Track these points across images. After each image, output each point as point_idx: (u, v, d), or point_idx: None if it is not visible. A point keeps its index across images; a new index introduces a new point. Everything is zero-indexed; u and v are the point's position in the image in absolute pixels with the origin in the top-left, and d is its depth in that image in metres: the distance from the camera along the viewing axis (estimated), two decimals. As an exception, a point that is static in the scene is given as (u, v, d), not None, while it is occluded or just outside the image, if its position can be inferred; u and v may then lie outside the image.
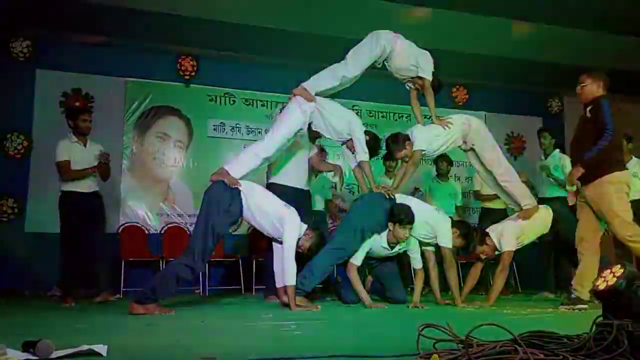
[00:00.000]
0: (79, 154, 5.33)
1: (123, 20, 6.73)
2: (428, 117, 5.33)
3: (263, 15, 6.90)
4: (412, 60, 5.09)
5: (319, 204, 6.28)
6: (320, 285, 6.05)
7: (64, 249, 5.23)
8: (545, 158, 6.54)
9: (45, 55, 6.82)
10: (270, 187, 5.14)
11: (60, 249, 5.26)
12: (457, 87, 8.66)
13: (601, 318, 2.05)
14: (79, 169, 5.28)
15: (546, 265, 6.64)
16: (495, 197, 6.11)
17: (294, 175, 5.37)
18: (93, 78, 7.01)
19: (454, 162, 7.36)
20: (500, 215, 6.78)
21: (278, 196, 4.63)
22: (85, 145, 5.40)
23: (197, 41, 7.23)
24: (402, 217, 4.61)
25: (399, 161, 5.44)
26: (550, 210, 5.26)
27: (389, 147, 5.18)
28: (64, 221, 5.28)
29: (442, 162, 6.99)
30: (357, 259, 4.76)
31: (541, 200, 5.76)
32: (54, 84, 6.88)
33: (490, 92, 8.71)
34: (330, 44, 6.95)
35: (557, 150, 6.54)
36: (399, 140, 5.08)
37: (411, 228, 4.68)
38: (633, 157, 6.41)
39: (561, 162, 6.36)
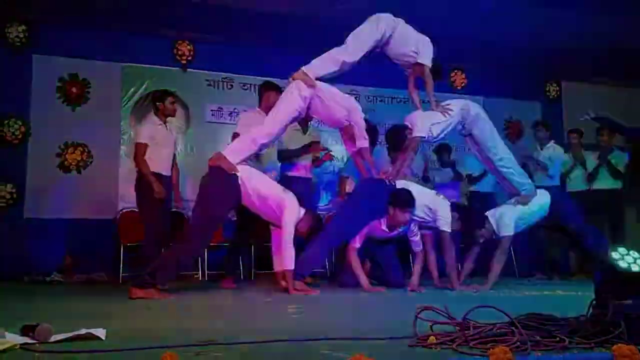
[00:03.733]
0: (163, 136, 5.41)
1: (119, 4, 6.69)
2: (426, 102, 5.31)
3: (261, -1, 6.86)
4: (411, 46, 5.05)
5: None
6: (322, 270, 6.09)
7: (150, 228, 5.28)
8: (541, 149, 6.69)
9: (41, 40, 6.75)
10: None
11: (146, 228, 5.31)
12: (455, 71, 8.61)
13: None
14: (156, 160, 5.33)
15: (543, 249, 6.71)
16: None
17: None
18: (90, 63, 6.95)
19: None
20: (490, 198, 6.85)
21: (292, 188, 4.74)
22: (167, 129, 5.49)
23: (194, 25, 7.17)
24: (403, 201, 4.62)
25: None
26: (548, 195, 5.28)
27: (390, 142, 5.16)
28: (145, 201, 5.31)
29: None
30: (357, 242, 4.78)
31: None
32: (50, 69, 6.82)
33: (489, 76, 8.66)
34: (329, 28, 6.92)
35: (552, 142, 6.83)
36: (399, 132, 5.05)
37: (411, 212, 4.69)
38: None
39: (555, 153, 6.68)
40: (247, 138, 4.71)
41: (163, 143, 5.41)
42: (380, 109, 8.14)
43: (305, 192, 5.54)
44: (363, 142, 4.92)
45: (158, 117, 5.47)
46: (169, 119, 5.58)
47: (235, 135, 5.23)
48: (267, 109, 5.26)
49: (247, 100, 7.56)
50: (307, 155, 5.91)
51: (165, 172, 5.44)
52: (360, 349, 1.83)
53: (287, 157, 5.87)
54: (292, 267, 4.37)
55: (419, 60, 5.08)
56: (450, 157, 7.20)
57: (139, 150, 5.32)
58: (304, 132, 6.07)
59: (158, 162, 5.37)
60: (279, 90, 5.41)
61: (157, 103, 5.49)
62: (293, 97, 4.76)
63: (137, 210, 5.74)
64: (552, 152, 6.69)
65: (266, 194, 4.45)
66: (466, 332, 1.97)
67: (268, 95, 5.50)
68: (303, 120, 5.60)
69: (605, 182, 6.62)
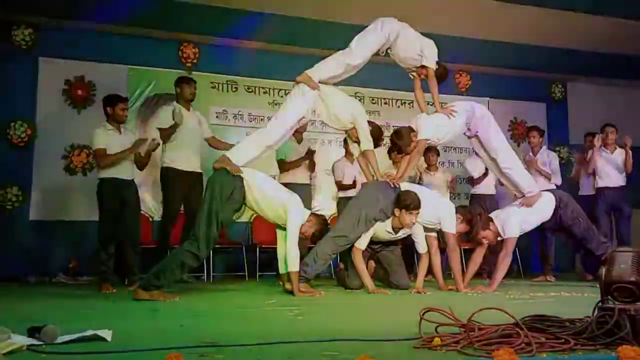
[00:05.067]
0: (115, 141, 5.29)
1: (125, 7, 6.71)
2: (431, 104, 5.31)
3: (266, 1, 6.87)
4: (416, 49, 5.05)
5: None
6: (326, 273, 6.07)
7: (103, 236, 5.22)
8: (534, 155, 6.79)
9: (47, 43, 6.79)
10: None
11: (98, 236, 5.25)
12: (460, 73, 8.61)
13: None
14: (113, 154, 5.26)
15: (548, 250, 6.70)
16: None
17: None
18: (95, 66, 6.99)
19: (448, 148, 7.96)
20: (491, 200, 6.86)
21: None
22: (120, 133, 5.37)
23: (199, 28, 7.19)
24: (409, 202, 4.61)
25: None
26: (553, 197, 5.26)
27: (395, 144, 5.15)
28: (103, 207, 5.27)
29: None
30: (362, 244, 4.78)
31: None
32: (56, 71, 6.86)
33: (494, 78, 8.65)
34: (333, 30, 6.94)
35: (545, 147, 6.96)
36: (403, 135, 5.04)
37: (418, 214, 4.68)
38: None
39: (548, 158, 6.77)
40: (253, 140, 4.73)
41: (117, 148, 5.26)
42: (385, 111, 8.15)
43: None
44: (367, 144, 4.93)
45: (109, 123, 5.33)
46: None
47: (161, 131, 5.58)
48: (183, 102, 5.65)
49: (251, 103, 7.60)
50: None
51: (127, 176, 5.34)
52: (364, 350, 1.83)
53: (286, 169, 6.26)
54: (297, 269, 4.37)
55: (423, 63, 5.08)
56: (437, 158, 7.19)
57: (100, 155, 5.23)
58: (299, 142, 6.20)
59: (116, 167, 5.27)
60: (190, 82, 5.75)
61: (107, 108, 5.33)
62: (297, 99, 4.78)
63: (141, 211, 5.80)
64: (546, 157, 6.77)
65: (271, 195, 4.46)
66: (471, 333, 1.97)
67: (181, 88, 5.70)
68: (297, 132, 5.75)
69: (611, 182, 6.59)
